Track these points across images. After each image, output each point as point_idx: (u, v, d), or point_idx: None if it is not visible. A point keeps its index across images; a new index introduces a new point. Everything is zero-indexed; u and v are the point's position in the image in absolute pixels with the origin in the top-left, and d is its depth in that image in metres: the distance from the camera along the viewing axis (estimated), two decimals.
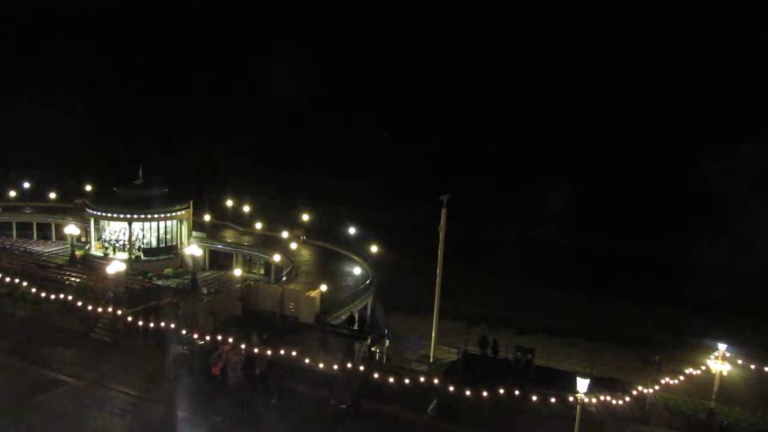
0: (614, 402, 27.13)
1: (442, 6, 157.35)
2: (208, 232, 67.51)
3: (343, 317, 43.12)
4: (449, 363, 41.12)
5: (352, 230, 68.97)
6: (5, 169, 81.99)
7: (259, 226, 70.15)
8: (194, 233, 65.61)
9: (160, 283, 49.49)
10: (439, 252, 43.25)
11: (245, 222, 72.61)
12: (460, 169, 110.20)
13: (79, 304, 31.35)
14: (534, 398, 25.70)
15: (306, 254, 63.50)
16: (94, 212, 62.26)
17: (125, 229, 61.56)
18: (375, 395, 27.30)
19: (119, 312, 31.73)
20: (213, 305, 37.16)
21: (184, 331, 29.67)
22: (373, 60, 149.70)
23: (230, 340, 28.90)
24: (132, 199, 62.29)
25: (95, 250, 62.00)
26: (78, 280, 41.64)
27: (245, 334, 31.05)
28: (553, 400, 25.18)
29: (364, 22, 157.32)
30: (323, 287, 44.06)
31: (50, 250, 63.66)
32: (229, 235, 68.79)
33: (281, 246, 62.84)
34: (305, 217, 73.18)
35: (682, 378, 30.23)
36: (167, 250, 62.49)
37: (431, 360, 45.24)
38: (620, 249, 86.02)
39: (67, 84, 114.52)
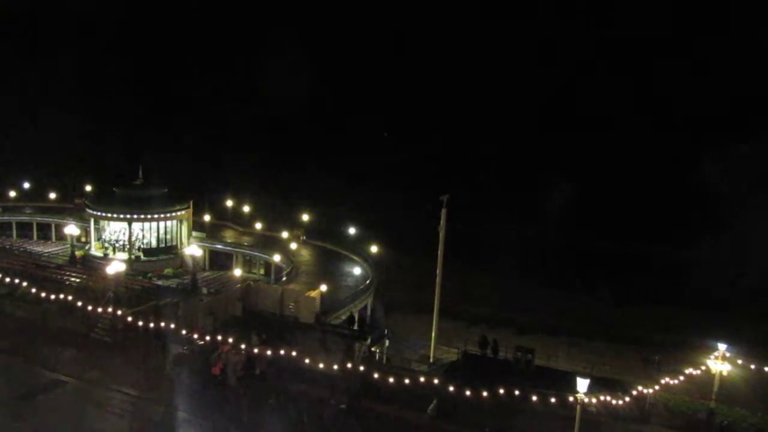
0: (614, 402, 27.13)
1: (442, 6, 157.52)
2: (208, 232, 67.50)
3: (343, 317, 43.12)
4: (449, 363, 41.12)
5: (352, 230, 68.98)
6: (5, 169, 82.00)
7: (259, 226, 70.15)
8: (194, 233, 65.60)
9: (160, 283, 49.54)
10: (439, 252, 43.23)
11: (245, 222, 72.59)
12: (460, 169, 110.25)
13: (79, 304, 31.33)
14: (534, 398, 25.70)
15: (306, 254, 63.49)
16: (94, 212, 62.27)
17: (125, 229, 61.55)
18: (375, 395, 27.30)
19: (119, 312, 31.72)
20: (213, 305, 37.16)
21: (184, 331, 29.65)
22: (373, 60, 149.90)
23: (230, 340, 28.90)
24: (132, 199, 62.31)
25: (95, 251, 62.01)
26: (78, 280, 41.61)
27: (245, 334, 31.04)
28: (553, 400, 25.17)
29: (364, 22, 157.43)
30: (323, 287, 44.06)
31: (50, 250, 63.64)
32: (229, 235, 68.77)
33: (281, 246, 62.84)
34: (305, 217, 73.17)
35: (682, 378, 30.20)
36: (167, 251, 62.49)
37: (431, 360, 45.21)
38: (620, 249, 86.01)
39: (67, 84, 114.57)
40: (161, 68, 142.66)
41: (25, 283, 33.91)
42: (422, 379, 27.54)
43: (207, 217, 70.20)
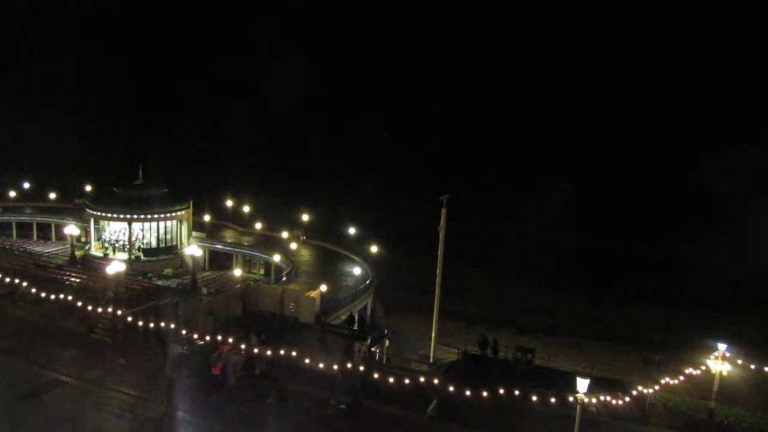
0: (614, 402, 27.13)
1: (442, 6, 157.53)
2: (208, 232, 67.51)
3: (343, 317, 43.12)
4: (449, 363, 41.11)
5: (352, 230, 68.99)
6: (5, 169, 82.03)
7: (259, 226, 70.15)
8: (194, 233, 65.60)
9: (160, 283, 49.54)
10: (439, 252, 43.20)
11: (245, 222, 72.60)
12: (460, 169, 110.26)
13: (79, 304, 31.32)
14: (534, 398, 25.69)
15: (306, 254, 63.50)
16: (94, 212, 62.27)
17: (125, 229, 61.55)
18: (375, 395, 27.29)
19: (119, 312, 31.71)
20: (213, 305, 37.14)
21: (184, 331, 29.64)
22: (373, 60, 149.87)
23: (230, 340, 28.89)
24: (132, 199, 62.31)
25: (95, 251, 62.01)
26: (78, 280, 41.63)
27: (245, 334, 31.04)
28: (553, 400, 25.17)
29: (364, 22, 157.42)
30: (323, 287, 44.05)
31: (50, 250, 63.66)
32: (229, 235, 68.78)
33: (281, 246, 62.84)
34: (305, 217, 73.18)
35: (682, 378, 30.19)
36: (167, 251, 62.49)
37: (431, 360, 45.20)
38: (620, 249, 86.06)
39: (67, 84, 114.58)
40: (161, 68, 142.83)
41: (25, 283, 33.90)
42: (422, 379, 27.53)
43: (207, 217, 70.20)
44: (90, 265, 52.71)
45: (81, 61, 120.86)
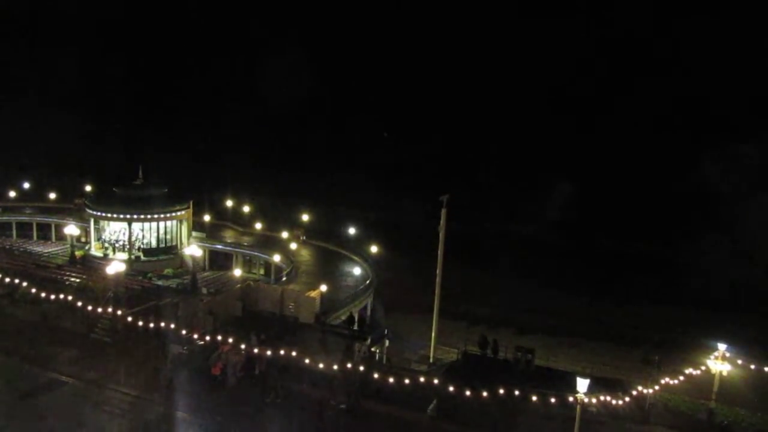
0: (614, 402, 27.14)
1: (442, 6, 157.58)
2: (208, 232, 67.50)
3: (343, 317, 43.11)
4: (449, 363, 41.10)
5: (352, 230, 68.97)
6: (5, 169, 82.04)
7: (259, 226, 70.16)
8: (194, 233, 65.59)
9: (160, 283, 49.54)
10: (439, 252, 43.20)
11: (245, 222, 72.60)
12: (460, 169, 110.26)
13: (79, 304, 31.36)
14: (534, 398, 25.70)
15: (306, 254, 63.50)
16: (94, 212, 62.26)
17: (125, 229, 61.54)
18: (375, 395, 27.30)
19: (119, 312, 31.73)
20: (213, 305, 37.14)
21: (184, 331, 29.66)
22: (373, 60, 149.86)
23: (230, 340, 28.91)
24: (132, 199, 62.29)
25: (95, 251, 62.00)
26: (78, 280, 41.65)
27: (244, 334, 31.05)
28: (553, 400, 25.18)
29: (363, 21, 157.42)
30: (323, 287, 44.03)
31: (50, 250, 63.64)
32: (229, 235, 68.77)
33: (281, 246, 62.84)
34: (305, 217, 73.19)
35: (682, 378, 30.23)
36: (167, 251, 62.48)
37: (431, 360, 45.19)
38: (620, 249, 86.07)
39: (67, 84, 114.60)
40: (161, 68, 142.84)
41: (25, 283, 33.95)
42: (422, 379, 27.55)
43: (207, 217, 70.21)
44: (90, 265, 52.71)
45: (81, 61, 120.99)
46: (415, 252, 65.70)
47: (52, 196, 74.78)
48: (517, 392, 25.40)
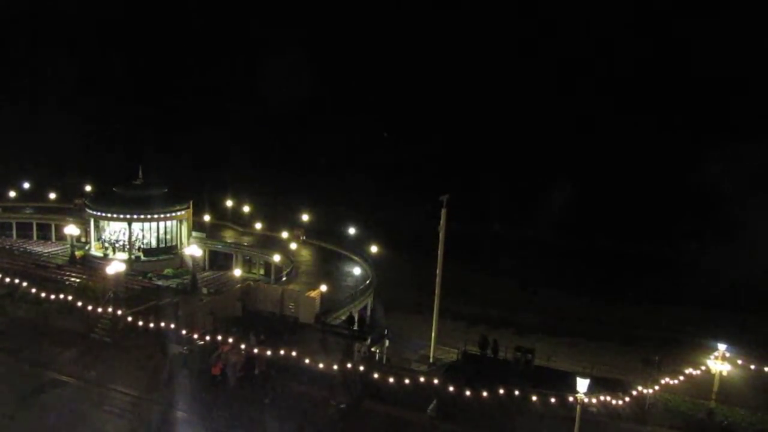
0: (614, 402, 27.14)
1: (442, 6, 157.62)
2: (208, 232, 67.51)
3: (343, 317, 43.11)
4: (449, 363, 41.10)
5: (352, 230, 68.97)
6: (5, 169, 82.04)
7: (259, 226, 70.16)
8: (194, 233, 65.61)
9: (160, 283, 49.57)
10: (439, 252, 43.20)
11: (245, 222, 72.60)
12: (460, 169, 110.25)
13: (79, 304, 31.36)
14: (534, 398, 25.69)
15: (306, 254, 63.51)
16: (94, 212, 62.28)
17: (125, 229, 61.56)
18: (375, 395, 27.30)
19: (119, 312, 31.74)
20: (213, 305, 37.15)
21: (184, 331, 29.66)
22: (373, 60, 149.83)
23: (230, 340, 28.91)
24: (132, 199, 62.31)
25: (95, 251, 62.01)
26: (78, 280, 41.67)
27: (244, 334, 31.05)
28: (553, 400, 25.17)
29: (363, 21, 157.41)
30: (323, 287, 44.06)
31: (50, 250, 63.66)
32: (229, 235, 68.78)
33: (281, 246, 62.85)
34: (305, 217, 73.19)
35: (682, 378, 30.24)
36: (167, 251, 62.49)
37: (431, 360, 45.20)
38: (620, 249, 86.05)
39: (68, 84, 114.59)
40: (161, 68, 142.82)
41: (25, 283, 33.96)
42: (422, 379, 27.55)
43: (207, 217, 70.23)
44: (90, 265, 52.77)
45: (81, 62, 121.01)
46: (415, 252, 65.74)
47: (52, 196, 74.80)
48: (517, 392, 25.40)
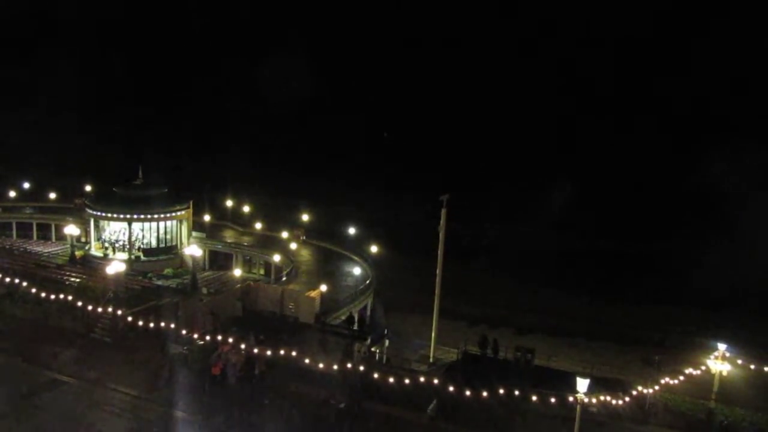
0: (614, 402, 27.13)
1: (443, 7, 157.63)
2: (208, 232, 67.49)
3: (343, 317, 43.11)
4: (449, 363, 41.11)
5: (352, 230, 68.99)
6: (5, 168, 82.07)
7: (259, 226, 70.15)
8: (194, 233, 65.59)
9: (160, 283, 49.53)
10: (439, 252, 43.23)
11: (245, 222, 72.59)
12: (460, 169, 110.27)
13: (79, 304, 31.36)
14: (534, 398, 25.69)
15: (306, 254, 63.49)
16: (94, 212, 62.24)
17: (125, 229, 61.54)
18: (375, 395, 27.29)
19: (119, 312, 31.74)
20: (213, 305, 37.15)
21: (184, 331, 29.66)
22: (373, 60, 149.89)
23: (230, 340, 28.91)
24: (132, 199, 62.28)
25: (95, 251, 61.99)
26: (78, 280, 41.65)
27: (244, 334, 31.06)
28: (553, 400, 25.17)
29: (364, 21, 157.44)
30: (323, 287, 44.04)
31: (50, 250, 63.63)
32: (229, 235, 68.77)
33: (281, 246, 62.83)
34: (305, 217, 73.17)
35: (682, 378, 30.24)
36: (167, 251, 62.46)
37: (431, 360, 45.21)
38: (620, 249, 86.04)
39: (68, 84, 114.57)
40: (161, 68, 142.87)
41: (25, 283, 33.95)
42: (422, 379, 27.55)
43: (207, 217, 70.20)
44: (90, 265, 52.73)
45: (81, 62, 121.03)
46: (415, 252, 65.74)
47: (52, 196, 74.78)
48: (517, 392, 25.39)
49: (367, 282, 52.53)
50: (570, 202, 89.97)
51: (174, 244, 63.14)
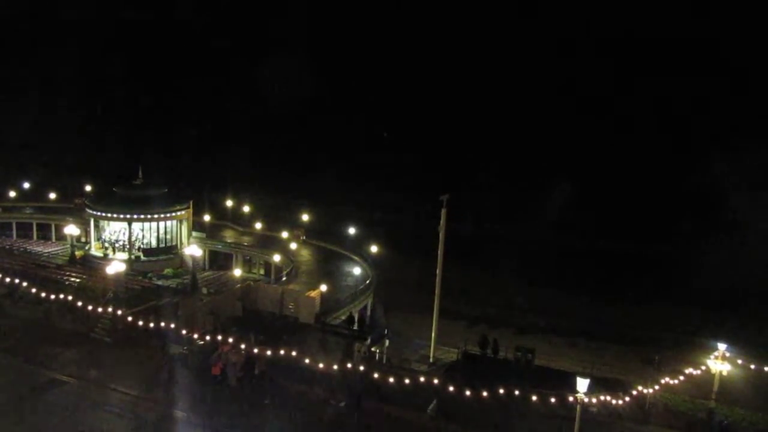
0: (614, 402, 27.13)
1: (443, 5, 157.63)
2: (208, 232, 67.52)
3: (343, 317, 43.12)
4: (449, 363, 41.11)
5: (352, 230, 69.02)
6: (5, 169, 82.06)
7: (259, 226, 70.16)
8: (194, 233, 65.62)
9: (160, 283, 49.57)
10: (439, 252, 43.23)
11: (245, 222, 72.62)
12: (460, 169, 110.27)
13: (79, 304, 31.35)
14: (534, 398, 25.69)
15: (306, 254, 63.51)
16: (94, 212, 62.29)
17: (125, 229, 61.57)
18: (375, 395, 27.29)
19: (119, 312, 31.74)
20: (213, 305, 37.16)
21: (184, 331, 29.65)
22: (374, 60, 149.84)
23: (230, 340, 28.90)
24: (132, 199, 62.33)
25: (95, 251, 62.01)
26: (78, 280, 41.67)
27: (244, 334, 31.05)
28: (553, 400, 25.17)
29: (364, 21, 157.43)
30: (323, 287, 44.06)
31: (50, 250, 63.69)
32: (229, 235, 68.79)
33: (281, 246, 62.85)
34: (305, 217, 73.18)
35: (682, 378, 30.23)
36: (167, 251, 62.51)
37: (431, 360, 45.22)
38: (621, 249, 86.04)
39: (68, 84, 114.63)
40: (161, 68, 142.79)
41: (25, 283, 33.94)
42: (422, 379, 27.54)
43: (207, 217, 70.23)
44: (90, 265, 52.77)
45: (81, 61, 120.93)
46: (415, 252, 65.72)
47: (52, 196, 74.80)
48: (517, 392, 25.39)
49: (367, 282, 52.56)
50: (570, 202, 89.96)
51: (174, 244, 63.18)
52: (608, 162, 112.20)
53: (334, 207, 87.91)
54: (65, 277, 42.81)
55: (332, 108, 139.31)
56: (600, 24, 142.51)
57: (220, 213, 74.42)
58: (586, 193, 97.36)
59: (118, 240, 62.11)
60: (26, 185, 77.36)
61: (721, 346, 28.94)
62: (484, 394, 25.34)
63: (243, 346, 28.44)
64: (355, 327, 39.48)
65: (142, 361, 30.10)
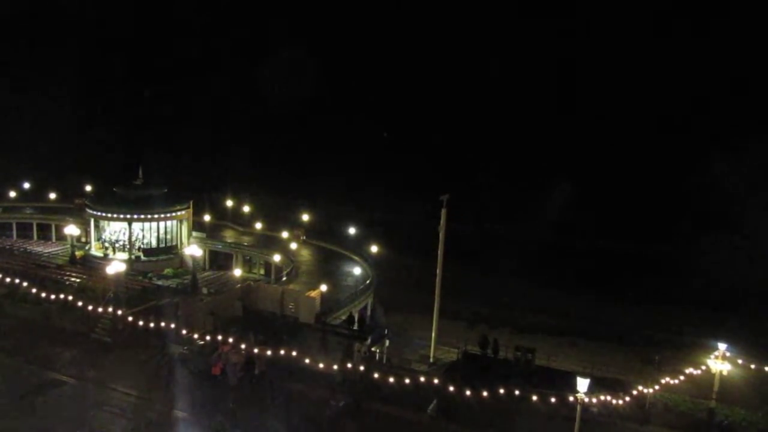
0: (614, 402, 27.13)
1: (443, 5, 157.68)
2: (208, 232, 67.49)
3: (343, 317, 43.11)
4: (449, 363, 41.12)
5: (352, 230, 69.01)
6: (5, 169, 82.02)
7: (259, 226, 70.15)
8: (194, 233, 65.60)
9: (160, 283, 49.53)
10: (439, 252, 43.27)
11: (245, 222, 72.60)
12: (460, 169, 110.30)
13: (79, 304, 31.35)
14: (534, 398, 25.70)
15: (306, 254, 63.49)
16: (94, 212, 62.26)
17: (125, 229, 61.55)
18: (375, 395, 27.30)
19: (119, 312, 31.74)
20: (213, 305, 37.16)
21: (184, 331, 29.65)
22: (373, 60, 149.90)
23: (230, 340, 28.90)
24: (132, 199, 62.30)
25: (95, 251, 62.00)
26: (78, 280, 41.67)
27: (244, 334, 31.05)
28: (553, 400, 25.18)
29: (364, 21, 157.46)
30: (323, 287, 44.04)
31: (50, 250, 63.63)
32: (229, 235, 68.77)
33: (281, 246, 62.83)
34: (305, 217, 73.18)
35: (682, 378, 30.22)
36: (167, 251, 62.47)
37: (431, 360, 45.23)
38: (621, 249, 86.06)
39: (68, 84, 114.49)
40: (161, 68, 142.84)
41: (25, 283, 33.94)
42: (422, 379, 27.55)
43: (207, 217, 70.21)
44: (90, 265, 52.75)
45: (81, 61, 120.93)
46: (415, 252, 65.76)
47: (52, 196, 74.78)
48: (517, 392, 25.39)
49: (367, 282, 52.54)
50: (570, 202, 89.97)
51: (174, 244, 63.16)
52: (608, 162, 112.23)
53: (334, 207, 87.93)
54: (65, 278, 42.81)
55: (332, 108, 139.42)
56: (600, 24, 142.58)
57: (220, 213, 74.38)
58: (586, 193, 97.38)
59: (118, 240, 62.07)
60: (26, 185, 77.31)
61: (721, 346, 28.92)
62: (484, 394, 25.34)
63: (243, 346, 28.44)
64: (356, 327, 39.46)
65: (142, 361, 30.10)
